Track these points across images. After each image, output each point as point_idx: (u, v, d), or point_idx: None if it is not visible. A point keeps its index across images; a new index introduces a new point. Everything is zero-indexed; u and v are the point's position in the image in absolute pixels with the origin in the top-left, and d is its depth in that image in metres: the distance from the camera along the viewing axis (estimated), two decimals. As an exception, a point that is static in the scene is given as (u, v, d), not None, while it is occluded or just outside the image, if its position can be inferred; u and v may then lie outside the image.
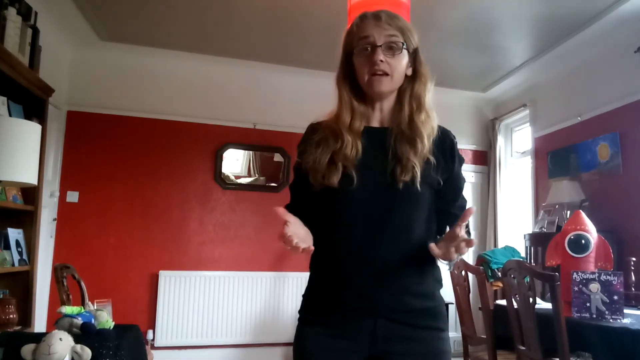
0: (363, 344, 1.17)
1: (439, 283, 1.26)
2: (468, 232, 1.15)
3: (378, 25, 1.20)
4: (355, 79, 1.25)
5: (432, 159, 1.21)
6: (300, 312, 1.26)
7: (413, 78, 1.26)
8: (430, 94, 1.27)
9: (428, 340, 1.19)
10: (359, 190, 1.18)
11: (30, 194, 2.89)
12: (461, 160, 1.30)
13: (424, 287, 1.21)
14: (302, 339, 1.23)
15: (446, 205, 1.27)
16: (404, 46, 1.21)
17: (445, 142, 1.26)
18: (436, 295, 1.24)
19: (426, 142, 1.20)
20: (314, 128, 1.29)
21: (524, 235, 4.04)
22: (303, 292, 1.29)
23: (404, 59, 1.22)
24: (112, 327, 2.04)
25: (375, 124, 1.27)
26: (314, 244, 1.27)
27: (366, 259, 1.16)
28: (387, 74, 1.20)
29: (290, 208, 1.31)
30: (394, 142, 1.21)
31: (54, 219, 4.02)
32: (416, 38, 1.25)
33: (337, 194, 1.18)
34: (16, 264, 2.72)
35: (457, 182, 1.28)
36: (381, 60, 1.18)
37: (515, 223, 4.79)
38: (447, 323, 1.25)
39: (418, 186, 1.17)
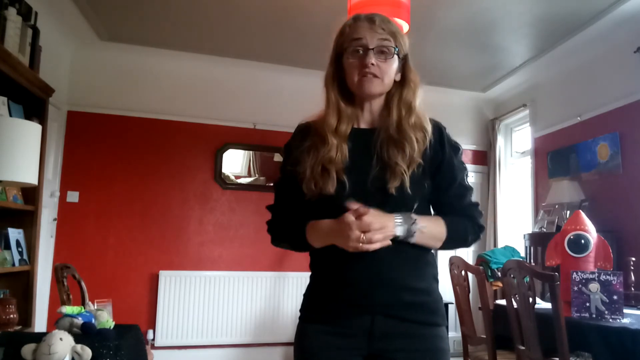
0: (361, 341, 1.18)
1: (435, 280, 1.26)
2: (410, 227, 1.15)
3: (371, 29, 1.20)
4: (343, 80, 1.25)
5: (422, 162, 1.20)
6: (301, 310, 1.28)
7: (401, 84, 1.26)
8: (420, 100, 1.26)
9: (426, 338, 1.19)
10: (352, 194, 1.18)
11: (31, 194, 2.89)
12: (455, 149, 1.28)
13: (420, 283, 1.21)
14: (302, 337, 1.24)
15: (440, 195, 1.26)
16: (396, 51, 1.21)
17: (434, 133, 1.25)
18: (433, 291, 1.23)
19: (415, 146, 1.19)
20: (302, 130, 1.29)
21: (524, 235, 4.04)
22: (304, 292, 1.30)
23: (394, 64, 1.22)
24: (112, 327, 2.04)
25: (363, 125, 1.27)
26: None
27: (363, 258, 1.16)
28: (376, 77, 1.20)
29: (275, 208, 1.31)
30: (381, 146, 1.21)
31: (54, 219, 4.03)
32: (407, 44, 1.25)
33: (332, 199, 1.18)
34: (16, 263, 2.72)
35: (450, 171, 1.26)
36: (372, 64, 1.18)
37: (515, 223, 4.79)
38: (445, 319, 1.25)
39: (408, 191, 1.17)
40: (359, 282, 1.17)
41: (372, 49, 1.18)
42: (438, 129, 1.27)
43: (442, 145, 1.25)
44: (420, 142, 1.21)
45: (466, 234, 1.25)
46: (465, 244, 1.28)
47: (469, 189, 1.29)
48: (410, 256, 1.20)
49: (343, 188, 1.18)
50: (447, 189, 1.26)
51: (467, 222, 1.26)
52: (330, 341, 1.19)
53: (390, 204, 1.17)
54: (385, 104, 1.27)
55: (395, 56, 1.21)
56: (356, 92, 1.24)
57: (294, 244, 1.28)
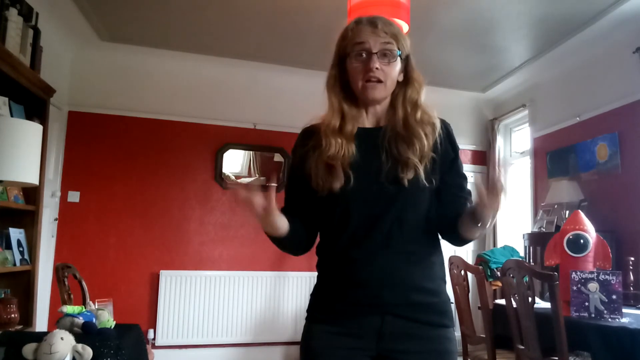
0: (370, 342, 1.17)
1: (443, 281, 1.27)
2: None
3: (374, 32, 1.20)
4: (347, 82, 1.25)
5: (435, 156, 1.22)
6: (308, 310, 1.28)
7: (405, 83, 1.27)
8: (423, 96, 1.27)
9: (434, 339, 1.19)
10: (359, 190, 1.19)
11: (32, 194, 2.89)
12: (457, 146, 1.31)
13: (429, 284, 1.21)
14: (309, 337, 1.23)
15: (456, 192, 1.27)
16: (398, 54, 1.22)
17: (443, 130, 1.27)
18: (441, 292, 1.24)
19: (425, 141, 1.20)
20: (307, 132, 1.30)
21: (523, 235, 4.05)
22: (310, 292, 1.30)
23: (397, 66, 1.23)
24: (113, 326, 2.05)
25: (368, 125, 1.28)
26: (320, 245, 1.29)
27: (371, 256, 1.17)
28: (380, 81, 1.20)
29: (286, 212, 1.33)
30: (389, 143, 1.21)
31: (55, 219, 4.03)
32: (408, 44, 1.26)
33: (339, 196, 1.19)
34: (18, 263, 2.72)
35: (457, 168, 1.29)
36: (377, 68, 1.19)
37: (514, 223, 4.79)
38: (452, 320, 1.25)
39: (424, 181, 1.18)
40: (369, 282, 1.17)
41: (376, 53, 1.19)
42: (445, 127, 1.29)
43: (452, 144, 1.28)
44: (430, 136, 1.22)
45: None
46: None
47: (465, 177, 1.32)
48: (420, 257, 1.20)
49: (348, 182, 1.19)
50: (460, 185, 1.29)
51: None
52: (337, 341, 1.18)
53: (402, 196, 1.18)
54: (390, 104, 1.28)
55: (398, 58, 1.22)
56: (360, 97, 1.25)
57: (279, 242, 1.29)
